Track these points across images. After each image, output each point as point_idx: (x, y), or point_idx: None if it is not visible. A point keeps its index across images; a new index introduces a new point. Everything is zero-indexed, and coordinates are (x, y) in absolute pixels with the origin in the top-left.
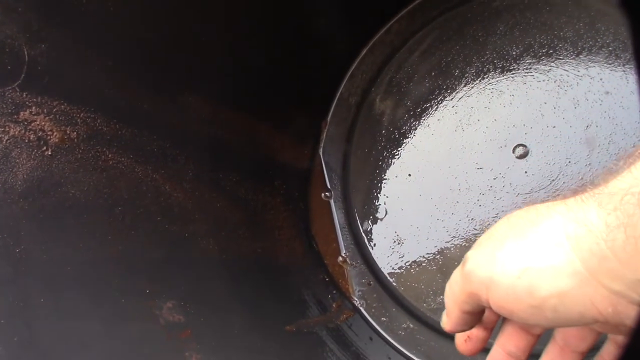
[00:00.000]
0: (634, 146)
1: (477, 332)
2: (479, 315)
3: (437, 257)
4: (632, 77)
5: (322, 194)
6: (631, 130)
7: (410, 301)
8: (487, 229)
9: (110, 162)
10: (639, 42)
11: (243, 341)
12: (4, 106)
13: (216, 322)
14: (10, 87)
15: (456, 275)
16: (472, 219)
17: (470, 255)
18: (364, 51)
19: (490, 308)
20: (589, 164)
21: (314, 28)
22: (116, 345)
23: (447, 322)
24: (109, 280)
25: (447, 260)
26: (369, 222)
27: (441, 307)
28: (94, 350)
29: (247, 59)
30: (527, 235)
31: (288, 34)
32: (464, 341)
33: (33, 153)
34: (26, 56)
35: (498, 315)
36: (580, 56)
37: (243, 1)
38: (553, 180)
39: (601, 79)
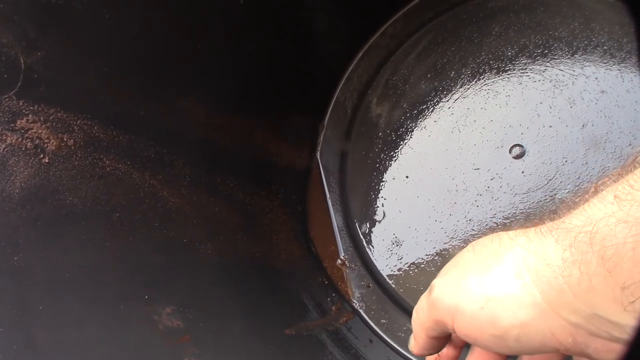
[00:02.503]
0: (592, 182)
1: (447, 352)
2: (445, 339)
3: (436, 258)
4: (627, 76)
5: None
6: (627, 129)
7: (409, 303)
8: (485, 229)
9: (108, 169)
10: None
11: (242, 346)
12: (1, 115)
13: (215, 327)
14: (6, 96)
15: (422, 302)
16: (469, 219)
17: (436, 283)
18: (360, 54)
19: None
20: (586, 163)
21: (309, 32)
22: (115, 351)
23: (414, 345)
24: (108, 287)
25: (446, 262)
26: (367, 224)
27: None
28: (93, 357)
29: (243, 63)
30: (490, 266)
31: (284, 38)
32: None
33: (30, 161)
34: (22, 64)
35: None
36: (576, 56)
37: (239, 6)
38: (550, 179)
39: (596, 78)
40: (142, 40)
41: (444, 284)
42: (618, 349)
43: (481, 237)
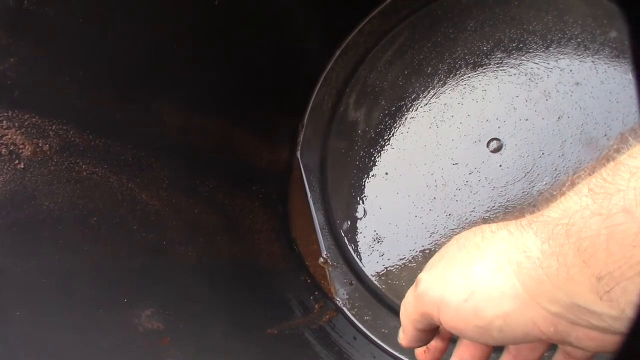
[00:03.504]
0: (569, 176)
1: (435, 344)
2: (433, 332)
3: (417, 254)
4: (601, 67)
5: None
6: (602, 120)
7: (392, 299)
8: (465, 223)
9: (84, 173)
10: (637, 45)
11: (224, 346)
12: None
13: (196, 328)
14: None
15: (409, 296)
16: (449, 214)
17: (422, 277)
18: (337, 53)
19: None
20: (562, 155)
21: (286, 32)
22: (94, 355)
23: (403, 338)
24: (86, 291)
25: (427, 257)
26: (349, 222)
27: None
28: None
29: (219, 65)
30: (473, 259)
31: (260, 39)
32: (422, 352)
33: (5, 167)
34: None
35: None
36: (550, 49)
37: (214, 7)
38: (527, 172)
39: (571, 71)
40: (117, 44)
41: (429, 277)
42: (598, 337)
43: (461, 231)
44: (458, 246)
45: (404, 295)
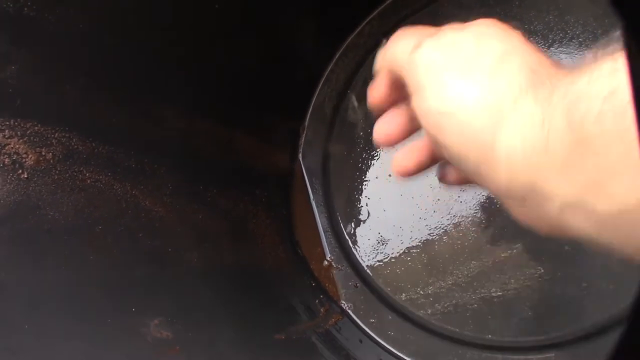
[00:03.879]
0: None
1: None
2: (395, 96)
3: (422, 255)
4: None
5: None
6: None
7: (398, 301)
8: (469, 224)
9: (88, 181)
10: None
11: (233, 353)
12: None
13: (204, 337)
14: None
15: (403, 45)
16: (453, 215)
17: (427, 44)
18: (337, 55)
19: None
20: None
21: (285, 35)
22: None
23: (371, 87)
24: (94, 301)
25: (432, 258)
26: (352, 224)
27: (431, 308)
28: None
29: (219, 68)
30: (475, 82)
31: (260, 42)
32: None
33: (8, 177)
34: None
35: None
36: (552, 49)
37: (214, 11)
38: None
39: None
40: (118, 51)
41: (433, 52)
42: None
43: (465, 231)
44: (477, 46)
45: (410, 297)
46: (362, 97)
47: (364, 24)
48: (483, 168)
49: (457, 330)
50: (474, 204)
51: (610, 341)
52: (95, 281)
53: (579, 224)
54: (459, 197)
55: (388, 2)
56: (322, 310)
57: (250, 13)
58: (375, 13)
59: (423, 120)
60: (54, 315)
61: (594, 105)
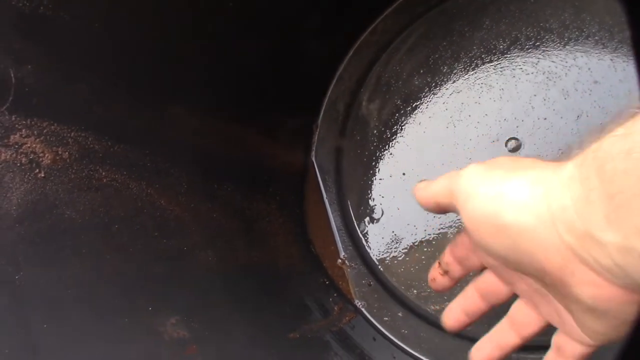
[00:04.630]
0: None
1: (453, 269)
2: (443, 210)
3: (436, 254)
4: (619, 66)
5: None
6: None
7: (411, 300)
8: None
9: (104, 180)
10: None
11: (248, 352)
12: None
13: (220, 336)
14: None
15: (445, 177)
16: None
17: (470, 167)
18: (351, 52)
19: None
20: None
21: (299, 32)
22: None
23: (420, 189)
24: (110, 300)
25: None
26: (366, 222)
27: (445, 306)
28: None
29: (233, 68)
30: (516, 171)
31: (273, 40)
32: (439, 275)
33: (26, 176)
34: (13, 78)
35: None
36: (567, 47)
37: (229, 9)
38: None
39: (589, 69)
40: (133, 50)
41: (475, 169)
42: (599, 283)
43: None
44: (511, 161)
45: (424, 296)
46: (375, 95)
47: (378, 21)
48: (542, 237)
49: (471, 328)
50: None
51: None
52: (111, 280)
53: (633, 267)
54: None
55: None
56: (335, 308)
57: (264, 11)
58: (389, 10)
59: (472, 225)
60: (72, 315)
61: (618, 163)
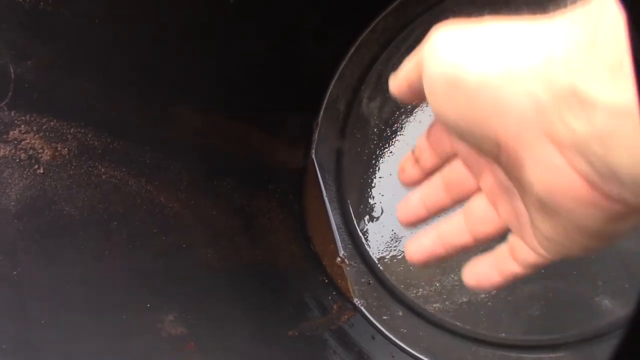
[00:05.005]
0: None
1: (424, 157)
2: (417, 91)
3: None
4: None
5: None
6: None
7: (411, 298)
8: None
9: (104, 177)
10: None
11: (247, 349)
12: None
13: (219, 332)
14: None
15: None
16: None
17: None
18: (352, 50)
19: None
20: None
21: (300, 30)
22: None
23: (392, 78)
24: (110, 297)
25: None
26: (366, 221)
27: (444, 305)
28: None
29: (234, 65)
30: (490, 24)
31: (274, 38)
32: (410, 164)
33: (25, 172)
34: (12, 74)
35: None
36: None
37: (229, 7)
38: None
39: None
40: (134, 46)
41: (445, 27)
42: (558, 167)
43: None
44: (490, 18)
45: (423, 295)
46: (376, 93)
47: (378, 19)
48: (511, 79)
49: (470, 327)
50: None
51: None
52: (110, 277)
53: (619, 148)
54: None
55: None
56: (334, 307)
57: (265, 10)
58: (390, 8)
59: (429, 88)
60: (72, 311)
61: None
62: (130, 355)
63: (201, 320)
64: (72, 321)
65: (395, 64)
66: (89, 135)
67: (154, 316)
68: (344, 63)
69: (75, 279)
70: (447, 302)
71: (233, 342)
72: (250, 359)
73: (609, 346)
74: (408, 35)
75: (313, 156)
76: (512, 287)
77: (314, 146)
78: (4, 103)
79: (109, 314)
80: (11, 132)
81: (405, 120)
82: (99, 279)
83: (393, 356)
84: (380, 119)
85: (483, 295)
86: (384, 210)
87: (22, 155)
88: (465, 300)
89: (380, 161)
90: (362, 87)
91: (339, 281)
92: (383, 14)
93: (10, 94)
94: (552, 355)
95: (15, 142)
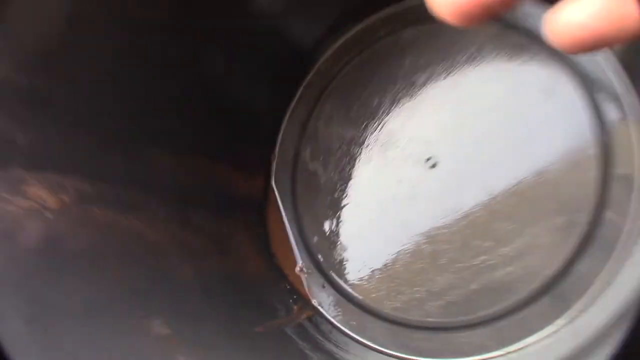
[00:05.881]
0: None
1: None
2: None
3: (375, 258)
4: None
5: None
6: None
7: (357, 296)
8: (417, 228)
9: (99, 217)
10: None
11: (222, 343)
12: (11, 183)
13: (198, 331)
14: (14, 167)
15: None
16: (402, 221)
17: None
18: (300, 90)
19: None
20: (493, 164)
21: (254, 80)
22: (115, 354)
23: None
24: (109, 311)
25: (383, 259)
26: (318, 236)
27: (383, 298)
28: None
29: (198, 111)
30: None
31: (231, 87)
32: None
33: (38, 218)
34: (20, 141)
35: None
36: (475, 73)
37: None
38: (461, 182)
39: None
40: (116, 110)
41: None
42: None
43: (416, 238)
44: None
45: (368, 292)
46: (330, 120)
47: (319, 63)
48: None
49: (404, 316)
50: (417, 212)
51: (532, 313)
52: (107, 297)
53: None
54: (407, 205)
55: (329, 53)
56: (295, 307)
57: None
58: (328, 54)
59: None
60: (77, 319)
61: None
62: (121, 349)
63: (183, 323)
64: (76, 332)
65: (330, 108)
66: (85, 185)
67: (143, 322)
68: (293, 103)
69: (74, 297)
70: (385, 300)
71: (209, 337)
72: (224, 349)
73: (516, 319)
74: (342, 80)
75: (273, 184)
76: (432, 281)
77: (273, 176)
78: (16, 164)
79: (107, 322)
80: (25, 187)
81: (345, 150)
82: (99, 301)
83: (348, 345)
84: (329, 149)
85: (416, 290)
86: (332, 226)
87: (34, 205)
88: (403, 297)
89: (329, 187)
90: (310, 121)
91: (299, 287)
92: (323, 59)
93: (20, 157)
94: (470, 332)
95: (29, 195)
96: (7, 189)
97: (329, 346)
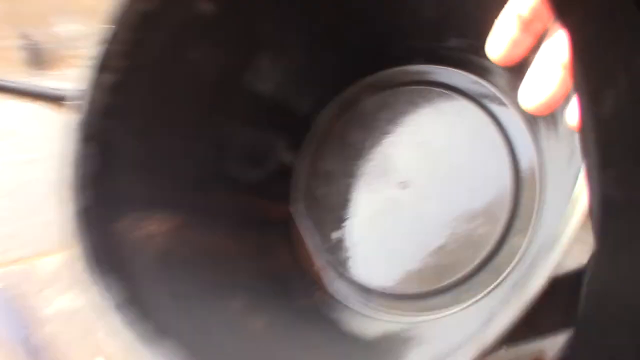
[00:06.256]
0: None
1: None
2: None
3: (372, 255)
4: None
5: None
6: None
7: (362, 284)
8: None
9: (189, 237)
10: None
11: (272, 310)
12: (132, 222)
13: (263, 306)
14: (132, 212)
15: None
16: (391, 229)
17: None
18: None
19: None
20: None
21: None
22: (212, 321)
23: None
24: (205, 293)
25: (375, 256)
26: (329, 243)
27: (377, 281)
28: None
29: (246, 176)
30: None
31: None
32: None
33: (152, 241)
34: (135, 193)
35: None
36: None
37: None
38: (424, 200)
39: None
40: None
41: None
42: None
43: (398, 236)
44: None
45: (367, 279)
46: (329, 160)
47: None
48: None
49: (394, 292)
50: (395, 228)
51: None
52: (201, 287)
53: None
54: (388, 227)
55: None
56: (317, 294)
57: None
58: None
59: None
60: (195, 302)
61: None
62: (215, 313)
63: (253, 300)
64: (200, 304)
65: (325, 159)
66: (176, 218)
67: (228, 298)
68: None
69: (191, 286)
70: (386, 282)
71: (269, 305)
72: (278, 319)
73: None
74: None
75: (292, 209)
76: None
77: (292, 203)
78: (132, 209)
79: (209, 298)
80: (141, 224)
81: (347, 180)
82: (201, 285)
83: (349, 319)
84: (331, 180)
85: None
86: (339, 238)
87: (148, 233)
88: (390, 274)
89: (334, 206)
90: (316, 163)
91: (318, 280)
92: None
93: (138, 203)
94: (436, 299)
95: (144, 227)
96: (130, 227)
97: (339, 316)
